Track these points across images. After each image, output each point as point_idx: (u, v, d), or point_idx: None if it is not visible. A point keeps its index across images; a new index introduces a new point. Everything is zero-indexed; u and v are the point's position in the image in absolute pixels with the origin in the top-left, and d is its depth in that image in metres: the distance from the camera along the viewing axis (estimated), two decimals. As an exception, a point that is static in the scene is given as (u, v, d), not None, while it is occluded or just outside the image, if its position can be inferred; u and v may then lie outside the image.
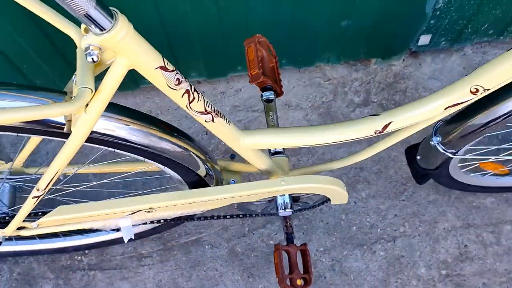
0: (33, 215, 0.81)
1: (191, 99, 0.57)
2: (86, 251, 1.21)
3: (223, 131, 0.66)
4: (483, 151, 0.89)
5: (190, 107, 0.58)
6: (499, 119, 0.72)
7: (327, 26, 1.16)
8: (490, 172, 1.09)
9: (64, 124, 0.57)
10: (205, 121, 0.62)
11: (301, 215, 1.22)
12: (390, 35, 1.20)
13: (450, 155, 0.81)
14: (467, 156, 0.84)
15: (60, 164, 0.61)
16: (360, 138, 0.74)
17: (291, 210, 0.88)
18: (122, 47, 0.46)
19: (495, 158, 0.94)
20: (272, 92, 0.77)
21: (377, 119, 0.71)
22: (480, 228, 1.19)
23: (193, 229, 1.23)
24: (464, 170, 1.01)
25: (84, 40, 0.44)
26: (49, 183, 0.65)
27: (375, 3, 1.09)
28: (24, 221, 0.78)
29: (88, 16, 0.41)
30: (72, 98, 0.49)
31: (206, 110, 0.60)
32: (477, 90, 0.62)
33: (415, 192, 1.24)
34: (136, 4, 0.95)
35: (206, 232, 1.22)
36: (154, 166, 0.75)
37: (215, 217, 0.96)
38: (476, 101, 0.67)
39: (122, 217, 0.84)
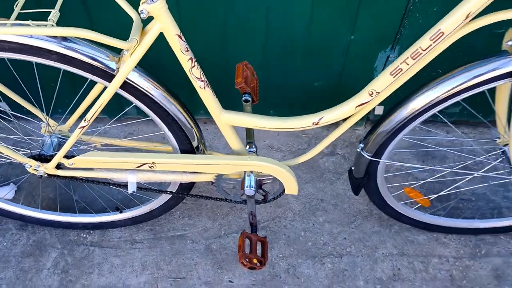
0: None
1: (193, 65, 0.92)
2: (91, 231, 1.46)
3: (210, 100, 1.00)
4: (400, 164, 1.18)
5: (192, 72, 0.93)
6: (397, 125, 1.04)
7: (304, 87, 1.54)
8: (417, 205, 1.37)
9: (113, 70, 0.92)
10: (200, 86, 0.96)
11: (268, 227, 1.47)
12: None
13: (368, 157, 1.11)
14: (384, 160, 1.13)
15: (104, 99, 0.95)
16: (304, 127, 1.05)
17: (255, 190, 1.16)
18: (160, 14, 0.82)
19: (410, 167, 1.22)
20: (250, 96, 1.11)
21: (314, 115, 1.04)
22: (412, 257, 1.41)
23: (180, 227, 1.48)
24: (393, 193, 1.29)
25: (141, 6, 0.81)
26: (93, 115, 0.98)
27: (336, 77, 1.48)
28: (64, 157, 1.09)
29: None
30: (127, 44, 0.85)
31: (201, 78, 0.95)
32: (372, 93, 0.96)
33: (362, 223, 1.49)
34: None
35: (190, 230, 1.47)
36: (163, 130, 1.07)
37: (199, 196, 1.25)
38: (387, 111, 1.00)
39: (131, 171, 1.14)
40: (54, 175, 1.15)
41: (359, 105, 0.99)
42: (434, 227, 1.41)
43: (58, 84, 1.16)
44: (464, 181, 1.31)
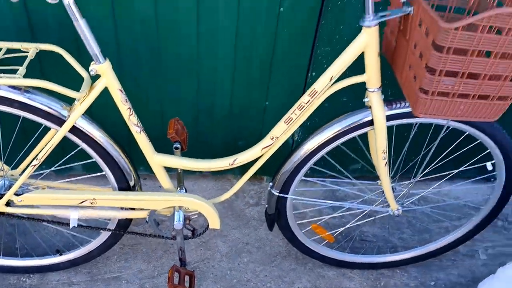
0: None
1: (130, 113, 1.15)
2: (31, 275, 1.55)
3: (145, 144, 1.22)
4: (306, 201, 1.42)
5: (130, 119, 1.16)
6: (295, 165, 1.31)
7: (229, 145, 1.80)
8: (325, 241, 1.60)
9: (65, 117, 1.13)
10: (136, 131, 1.19)
11: (198, 268, 1.63)
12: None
13: (276, 193, 1.36)
14: (290, 196, 1.38)
15: (56, 139, 1.14)
16: (222, 167, 1.29)
17: (182, 224, 1.35)
18: (105, 72, 1.06)
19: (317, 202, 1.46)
20: (180, 144, 1.34)
21: (230, 157, 1.29)
22: (323, 290, 1.62)
23: (117, 269, 1.60)
24: (302, 230, 1.52)
25: (91, 66, 1.05)
26: (44, 154, 1.17)
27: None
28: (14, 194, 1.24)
29: (95, 56, 1.04)
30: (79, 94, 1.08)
31: (137, 124, 1.18)
32: (273, 138, 1.23)
33: (282, 262, 1.69)
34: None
35: (126, 272, 1.60)
36: (104, 170, 1.27)
37: (134, 233, 1.42)
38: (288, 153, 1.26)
39: (73, 208, 1.30)
40: (4, 213, 1.29)
41: (264, 148, 1.25)
42: (339, 262, 1.63)
43: (15, 134, 1.34)
44: (359, 217, 1.57)
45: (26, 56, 1.07)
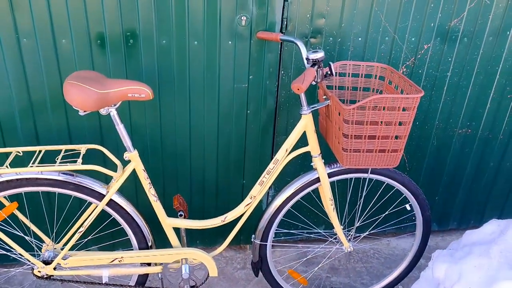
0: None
1: (150, 187, 1.62)
2: None
3: (160, 210, 1.67)
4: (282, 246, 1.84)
5: (149, 191, 1.62)
6: (269, 217, 1.76)
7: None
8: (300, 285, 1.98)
9: (104, 194, 1.58)
10: (153, 200, 1.64)
11: (200, 320, 1.95)
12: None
13: (258, 242, 1.79)
14: (268, 243, 1.79)
15: (96, 212, 1.58)
16: (216, 224, 1.73)
17: (189, 273, 1.73)
18: (134, 159, 1.55)
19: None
20: (183, 212, 1.78)
21: (222, 216, 1.74)
22: (305, 327, 1.96)
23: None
24: (281, 276, 1.91)
25: (125, 154, 1.54)
26: (88, 224, 1.59)
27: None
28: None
29: (128, 147, 1.54)
30: (116, 174, 1.55)
31: (155, 195, 1.64)
32: (252, 197, 1.71)
33: (269, 310, 2.03)
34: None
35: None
36: (128, 234, 1.68)
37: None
38: (264, 209, 1.73)
39: (105, 267, 1.68)
40: (51, 276, 1.65)
41: (246, 205, 1.72)
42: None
43: (62, 216, 1.77)
44: (325, 259, 1.99)
45: (80, 153, 1.56)
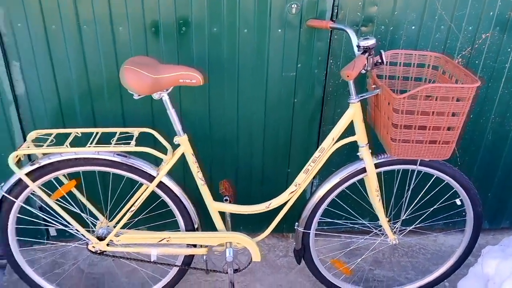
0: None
1: (198, 171, 1.66)
2: (113, 313, 1.94)
3: (207, 193, 1.71)
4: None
5: (197, 175, 1.67)
6: (313, 206, 1.76)
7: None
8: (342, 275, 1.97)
9: (154, 176, 1.65)
10: (201, 184, 1.69)
11: (242, 303, 2.00)
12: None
13: (301, 230, 1.79)
14: (312, 231, 1.80)
15: (147, 192, 1.64)
16: (260, 210, 1.75)
17: (233, 257, 1.77)
18: (183, 142, 1.60)
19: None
20: (228, 197, 1.82)
21: (266, 202, 1.76)
22: (346, 317, 1.95)
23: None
24: (323, 265, 1.91)
25: (175, 138, 1.59)
26: (139, 204, 1.66)
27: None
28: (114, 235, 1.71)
29: (179, 131, 1.59)
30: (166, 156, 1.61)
31: (202, 179, 1.69)
32: (296, 185, 1.71)
33: (310, 298, 2.05)
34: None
35: (186, 309, 1.97)
36: (176, 215, 1.74)
37: (197, 268, 1.83)
38: (308, 197, 1.74)
39: (153, 246, 1.75)
40: (104, 252, 1.74)
41: (291, 193, 1.73)
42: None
43: (116, 196, 1.86)
44: (368, 250, 1.96)
45: (133, 135, 1.63)
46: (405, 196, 1.89)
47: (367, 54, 1.41)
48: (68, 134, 1.61)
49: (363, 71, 1.46)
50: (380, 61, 1.49)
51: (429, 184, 1.93)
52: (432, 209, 2.00)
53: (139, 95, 1.48)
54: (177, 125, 1.58)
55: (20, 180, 1.57)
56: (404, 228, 1.91)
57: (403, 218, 1.86)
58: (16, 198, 1.60)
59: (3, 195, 1.59)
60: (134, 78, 1.42)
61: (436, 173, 1.71)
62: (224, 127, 1.99)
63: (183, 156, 1.63)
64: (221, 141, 2.03)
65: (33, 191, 1.59)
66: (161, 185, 1.67)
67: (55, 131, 1.61)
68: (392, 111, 1.46)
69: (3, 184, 1.59)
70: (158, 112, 1.90)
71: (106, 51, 1.75)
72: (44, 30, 1.69)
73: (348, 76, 1.30)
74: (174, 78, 1.46)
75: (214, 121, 1.97)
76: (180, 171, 1.99)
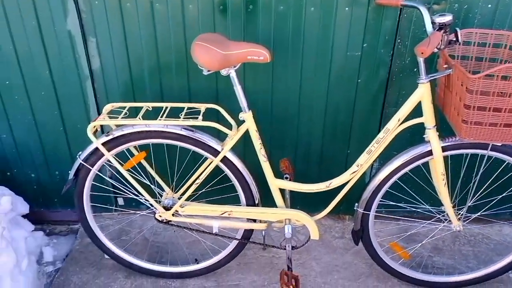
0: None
1: (261, 147, 1.69)
2: (174, 280, 2.03)
3: (268, 170, 1.74)
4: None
5: (260, 151, 1.70)
6: (374, 188, 1.74)
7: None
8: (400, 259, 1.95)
9: (218, 152, 1.69)
10: (263, 160, 1.72)
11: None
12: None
13: (361, 211, 1.78)
14: (372, 213, 1.79)
15: (211, 167, 1.70)
16: (320, 189, 1.76)
17: (291, 233, 1.80)
18: (248, 118, 1.63)
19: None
20: (289, 175, 1.85)
21: (326, 182, 1.76)
22: (402, 301, 1.94)
23: (236, 279, 2.04)
24: (381, 247, 1.90)
25: (241, 114, 1.63)
26: (204, 176, 1.72)
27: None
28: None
29: (244, 108, 1.62)
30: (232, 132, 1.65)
31: (265, 156, 1.72)
32: (358, 165, 1.70)
33: (366, 280, 2.04)
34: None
35: (242, 282, 2.02)
36: (238, 191, 1.79)
37: (256, 243, 1.88)
38: (369, 179, 1.72)
39: (215, 219, 1.82)
40: (169, 221, 1.83)
41: (352, 173, 1.72)
42: (412, 280, 1.95)
43: (182, 168, 1.93)
44: (429, 237, 1.92)
45: (200, 111, 1.68)
46: (472, 181, 1.83)
47: (442, 31, 1.36)
48: (140, 108, 1.69)
49: (435, 50, 1.41)
50: (454, 39, 1.44)
51: (499, 170, 1.85)
52: (500, 197, 1.91)
53: (208, 71, 1.53)
54: (243, 102, 1.61)
55: (96, 149, 1.67)
56: (469, 215, 1.85)
57: (469, 204, 1.80)
58: (92, 166, 1.71)
59: (81, 163, 1.70)
60: (205, 53, 1.46)
61: (508, 159, 1.64)
62: (285, 105, 2.01)
63: (244, 134, 1.66)
64: (282, 120, 2.05)
65: (108, 160, 1.70)
66: (225, 160, 1.71)
67: (128, 105, 1.70)
68: (466, 91, 1.41)
69: (80, 152, 1.70)
70: (222, 89, 1.95)
71: (175, 28, 1.81)
72: (120, 7, 1.77)
73: (422, 53, 1.26)
74: (243, 54, 1.48)
75: (276, 99, 1.99)
76: (240, 148, 2.03)
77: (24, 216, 2.10)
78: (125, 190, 1.85)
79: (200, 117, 1.63)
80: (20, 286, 1.79)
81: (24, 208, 2.08)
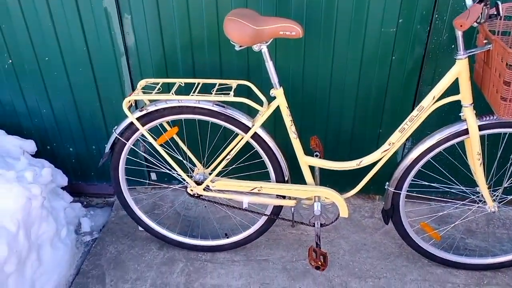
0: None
1: (291, 124, 1.69)
2: (205, 253, 2.09)
3: (298, 147, 1.74)
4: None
5: (290, 128, 1.70)
6: (406, 167, 1.71)
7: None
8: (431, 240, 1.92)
9: (249, 128, 1.70)
10: (293, 137, 1.72)
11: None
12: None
13: (392, 190, 1.76)
14: (403, 192, 1.76)
15: (241, 143, 1.71)
16: (351, 167, 1.75)
17: (320, 211, 1.80)
18: (279, 95, 1.63)
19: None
20: (319, 153, 1.84)
21: (357, 160, 1.75)
22: (432, 282, 1.91)
23: (265, 254, 2.07)
24: (412, 228, 1.88)
25: (271, 90, 1.63)
26: (236, 151, 1.74)
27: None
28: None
29: (275, 84, 1.62)
30: (262, 108, 1.65)
31: (295, 132, 1.71)
32: (390, 143, 1.68)
33: (395, 260, 2.02)
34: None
35: (271, 257, 2.06)
36: (268, 167, 1.80)
37: (285, 219, 1.90)
38: (401, 158, 1.69)
39: (245, 194, 1.84)
40: (200, 196, 1.87)
41: (384, 151, 1.70)
42: (443, 260, 1.92)
43: (213, 144, 1.96)
44: (462, 217, 1.89)
45: (231, 87, 1.69)
46: (509, 162, 1.77)
47: (482, 4, 1.30)
48: (173, 84, 1.72)
49: (475, 24, 1.36)
50: (495, 13, 1.38)
51: (538, 151, 1.79)
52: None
53: (240, 46, 1.53)
54: (274, 78, 1.60)
55: (131, 124, 1.71)
56: (505, 196, 1.80)
57: (505, 185, 1.74)
58: (127, 140, 1.76)
59: (116, 137, 1.75)
60: (237, 29, 1.46)
61: (549, 139, 1.57)
62: (316, 82, 1.99)
63: (274, 111, 1.66)
64: (313, 97, 2.03)
65: (142, 135, 1.74)
66: (255, 136, 1.73)
67: (161, 81, 1.73)
68: (506, 67, 1.35)
69: (116, 127, 1.75)
70: (253, 65, 1.95)
71: (208, 4, 1.81)
72: (153, -16, 1.79)
73: (461, 25, 1.22)
74: (275, 29, 1.47)
75: (307, 76, 1.97)
76: (271, 124, 2.04)
77: (63, 188, 2.19)
78: (158, 164, 1.89)
79: (232, 93, 1.64)
80: (59, 254, 1.88)
81: (63, 180, 2.18)
